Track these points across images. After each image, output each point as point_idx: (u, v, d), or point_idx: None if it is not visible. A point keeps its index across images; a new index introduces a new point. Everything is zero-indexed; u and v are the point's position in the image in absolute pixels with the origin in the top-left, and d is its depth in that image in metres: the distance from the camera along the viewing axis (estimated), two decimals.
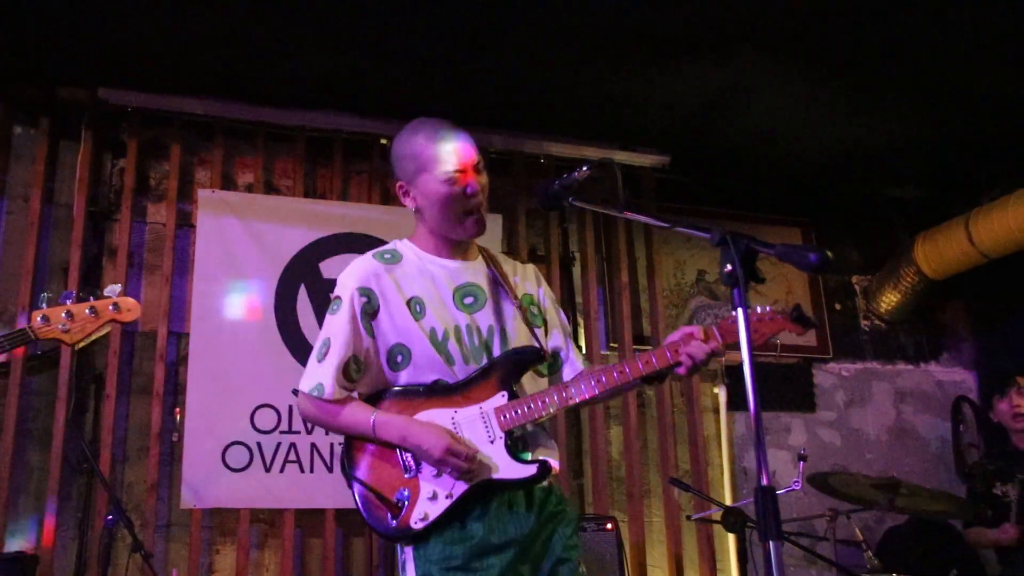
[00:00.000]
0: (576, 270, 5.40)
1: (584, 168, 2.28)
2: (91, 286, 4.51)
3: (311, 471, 4.49)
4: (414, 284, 2.35)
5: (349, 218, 4.96)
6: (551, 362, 2.51)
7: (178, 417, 4.46)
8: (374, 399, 2.33)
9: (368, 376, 2.35)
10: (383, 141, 5.19)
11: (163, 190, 4.84)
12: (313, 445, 4.52)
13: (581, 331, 5.29)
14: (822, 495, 4.45)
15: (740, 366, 1.73)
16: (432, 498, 2.20)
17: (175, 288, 4.64)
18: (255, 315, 4.63)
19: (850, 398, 6.00)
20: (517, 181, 5.33)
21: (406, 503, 2.20)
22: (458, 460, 2.17)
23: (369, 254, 2.42)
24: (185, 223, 4.79)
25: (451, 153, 2.33)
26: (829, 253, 1.73)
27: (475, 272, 2.42)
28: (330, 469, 4.53)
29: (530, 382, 2.39)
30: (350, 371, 2.30)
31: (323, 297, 4.75)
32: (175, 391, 4.55)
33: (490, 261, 2.48)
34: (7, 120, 4.67)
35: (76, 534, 4.25)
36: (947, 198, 5.99)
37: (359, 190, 5.16)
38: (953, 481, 5.98)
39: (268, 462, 4.45)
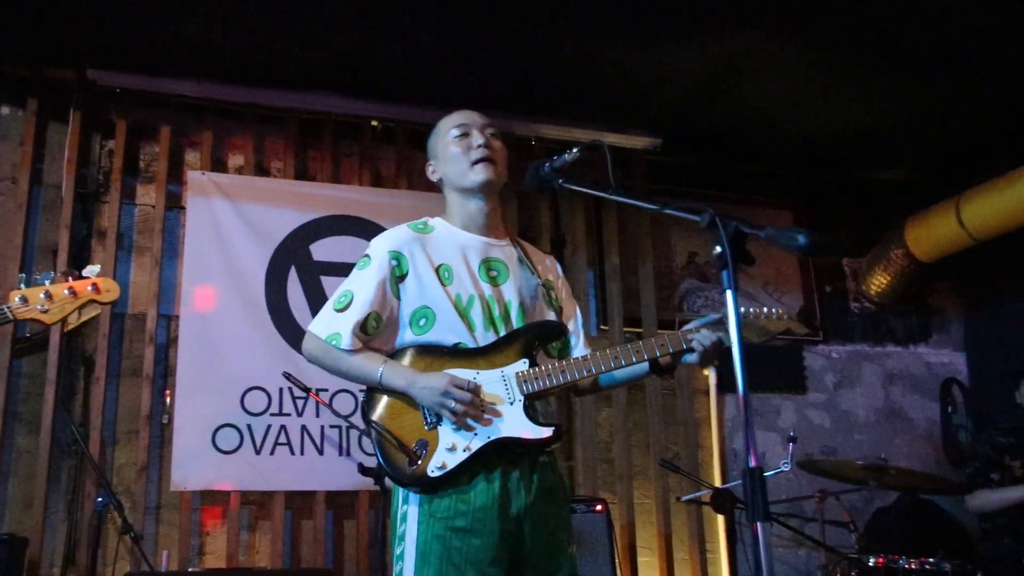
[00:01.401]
0: (567, 252, 5.40)
1: (574, 150, 2.34)
2: (80, 268, 4.49)
3: (301, 453, 4.49)
4: (444, 252, 2.45)
5: (340, 200, 4.95)
6: (562, 346, 2.61)
7: (168, 399, 4.46)
8: (397, 354, 2.41)
9: (388, 334, 2.44)
10: (374, 123, 5.18)
11: (153, 172, 4.81)
12: (304, 427, 4.52)
13: None
14: (812, 476, 4.47)
15: (730, 348, 1.73)
16: (451, 449, 2.27)
17: (165, 270, 4.63)
18: (245, 297, 4.62)
19: (840, 380, 6.03)
20: (508, 163, 5.30)
21: (424, 452, 2.27)
22: (461, 391, 2.25)
23: (403, 224, 2.52)
24: (175, 205, 4.77)
25: (461, 116, 2.54)
26: (820, 235, 1.73)
27: (501, 249, 2.53)
28: (320, 451, 4.53)
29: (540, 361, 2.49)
30: (368, 326, 2.39)
31: (314, 279, 4.74)
32: (165, 373, 4.54)
33: (517, 243, 2.60)
34: None
35: (66, 516, 4.25)
36: (937, 181, 5.99)
37: (350, 172, 5.15)
38: (942, 462, 6.02)
39: (258, 444, 4.45)
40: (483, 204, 2.49)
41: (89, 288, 2.60)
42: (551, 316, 2.53)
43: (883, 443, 5.89)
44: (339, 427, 4.54)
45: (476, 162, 2.46)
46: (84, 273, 2.65)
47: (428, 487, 2.27)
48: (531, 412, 2.33)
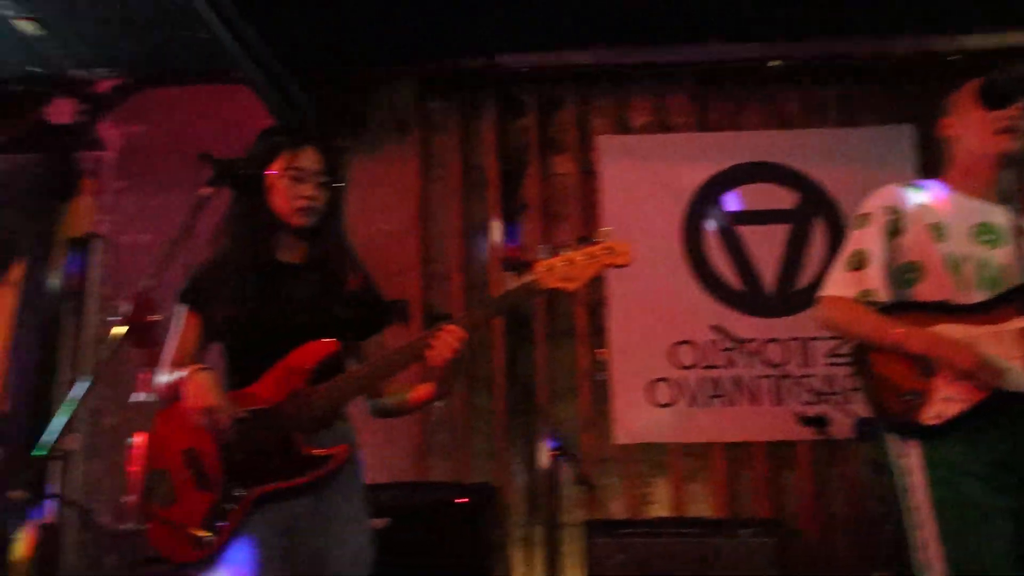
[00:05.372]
0: None
1: None
2: (511, 240, 4.86)
3: (736, 404, 4.51)
4: (937, 212, 2.43)
5: (746, 147, 4.85)
6: None
7: (601, 358, 4.66)
8: (884, 311, 2.38)
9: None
10: (772, 63, 4.99)
11: (563, 142, 5.03)
12: (735, 378, 4.52)
13: None
14: None
15: None
16: (947, 399, 2.23)
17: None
18: (663, 255, 4.69)
19: None
20: (927, 86, 4.85)
21: (918, 400, 2.25)
22: (988, 373, 2.19)
23: (896, 184, 2.53)
24: (587, 171, 4.95)
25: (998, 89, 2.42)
26: None
27: (996, 214, 2.44)
28: (755, 402, 4.50)
29: None
30: (885, 280, 2.41)
31: (731, 230, 4.70)
32: (594, 332, 4.75)
33: (1013, 210, 2.48)
34: (422, 96, 5.09)
35: (524, 468, 4.61)
36: None
37: (753, 118, 5.01)
38: None
39: (692, 397, 4.53)
40: (992, 172, 2.43)
41: (605, 252, 2.67)
42: None
43: None
44: (771, 377, 4.48)
45: (1000, 132, 2.37)
46: (596, 238, 2.74)
47: (924, 435, 2.24)
48: None
